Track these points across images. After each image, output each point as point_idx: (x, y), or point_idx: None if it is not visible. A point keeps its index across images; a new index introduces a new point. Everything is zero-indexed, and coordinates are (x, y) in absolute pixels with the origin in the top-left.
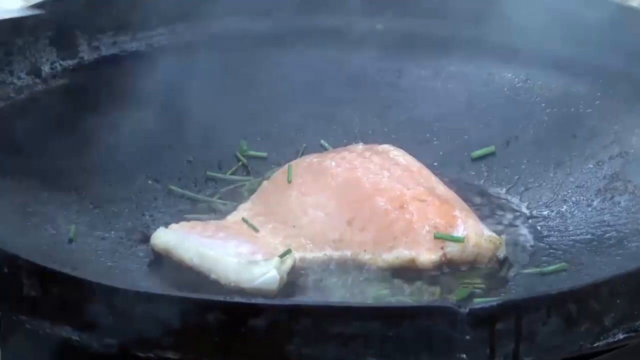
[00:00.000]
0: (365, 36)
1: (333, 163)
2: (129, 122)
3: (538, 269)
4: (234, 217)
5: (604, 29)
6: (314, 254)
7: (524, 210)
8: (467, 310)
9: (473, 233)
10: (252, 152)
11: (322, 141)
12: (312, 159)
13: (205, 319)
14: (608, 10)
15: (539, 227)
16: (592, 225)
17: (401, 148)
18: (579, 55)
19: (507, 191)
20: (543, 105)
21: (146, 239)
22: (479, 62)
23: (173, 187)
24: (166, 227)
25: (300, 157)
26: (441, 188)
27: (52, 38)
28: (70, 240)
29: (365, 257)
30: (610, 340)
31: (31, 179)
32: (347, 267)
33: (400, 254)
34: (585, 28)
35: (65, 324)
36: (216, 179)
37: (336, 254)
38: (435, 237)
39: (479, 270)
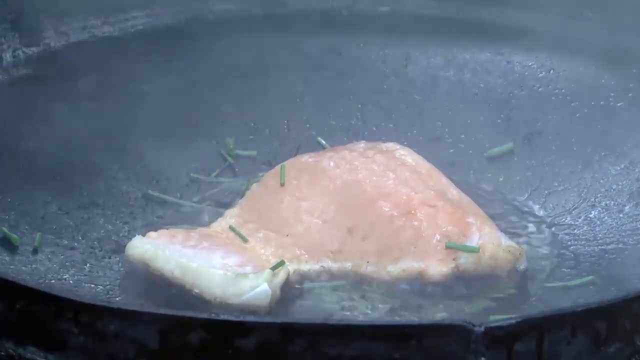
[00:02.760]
0: (367, 19)
1: (331, 163)
2: (100, 116)
3: (562, 283)
4: (219, 225)
5: (637, 11)
6: (309, 266)
7: (547, 216)
8: (482, 328)
9: (489, 242)
10: (239, 151)
11: (319, 138)
12: (308, 158)
13: (187, 338)
14: None
15: (563, 236)
16: (623, 234)
17: (408, 146)
18: (609, 41)
19: (528, 195)
20: (569, 97)
21: (120, 249)
22: (496, 48)
23: (152, 192)
24: (143, 235)
25: (295, 156)
26: (453, 192)
27: (14, 22)
28: (35, 250)
29: (368, 269)
30: None
31: None
32: (348, 280)
33: (407, 265)
34: (617, 10)
35: (30, 343)
36: (200, 182)
37: (335, 266)
38: (447, 247)
39: (496, 283)
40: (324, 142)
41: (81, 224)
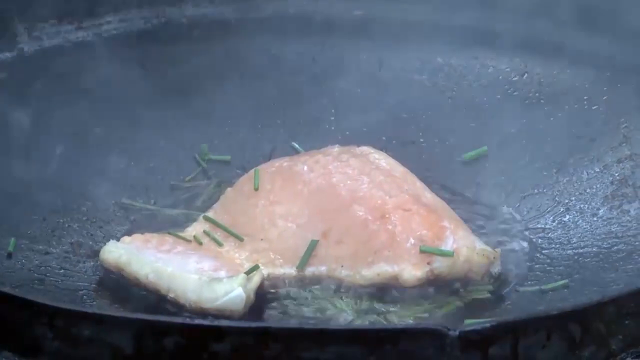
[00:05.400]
0: (341, 23)
1: (305, 167)
2: (74, 121)
3: (537, 286)
4: (194, 229)
5: (611, 14)
6: (284, 271)
7: (522, 220)
8: (457, 332)
9: (464, 246)
10: (213, 156)
11: (293, 143)
12: (282, 163)
13: (162, 343)
14: None
15: (538, 240)
16: (597, 237)
17: (382, 150)
18: (583, 44)
19: (503, 199)
20: (542, 101)
21: (95, 254)
22: (470, 52)
23: (126, 198)
24: (117, 240)
25: (269, 161)
26: (428, 195)
27: None
28: (10, 255)
29: (343, 273)
30: None
31: None
32: (322, 284)
33: (381, 269)
34: (591, 14)
35: (4, 348)
36: (174, 186)
37: (310, 270)
38: (421, 251)
39: (471, 287)
40: (298, 146)
41: (56, 229)
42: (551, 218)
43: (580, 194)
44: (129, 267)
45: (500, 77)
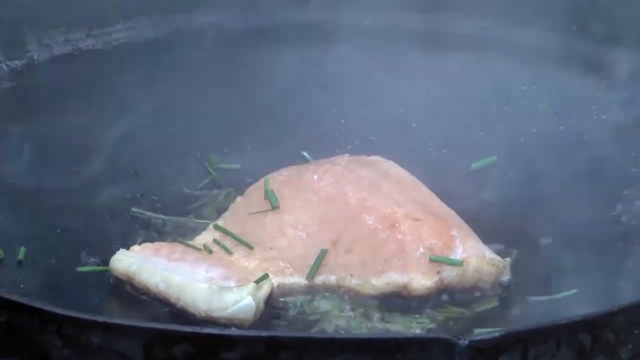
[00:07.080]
0: (351, 32)
1: (315, 177)
2: (84, 130)
3: (546, 296)
4: (204, 238)
5: (621, 24)
6: (294, 280)
7: (531, 229)
8: (466, 342)
9: (473, 256)
10: (223, 165)
11: (302, 152)
12: (291, 172)
13: (172, 352)
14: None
15: (547, 248)
16: (608, 246)
17: (392, 159)
18: (593, 53)
19: (511, 207)
20: (552, 110)
21: (105, 263)
22: (480, 61)
23: (136, 207)
24: (127, 249)
25: (278, 169)
26: (437, 205)
27: None
28: (20, 263)
29: (352, 282)
30: None
31: None
32: (331, 293)
33: (391, 279)
34: (601, 22)
35: (14, 356)
36: (184, 195)
37: (319, 279)
38: (431, 260)
39: (480, 296)
40: (307, 155)
41: (65, 237)
42: (561, 227)
43: (593, 199)
44: (138, 276)
45: (511, 87)
